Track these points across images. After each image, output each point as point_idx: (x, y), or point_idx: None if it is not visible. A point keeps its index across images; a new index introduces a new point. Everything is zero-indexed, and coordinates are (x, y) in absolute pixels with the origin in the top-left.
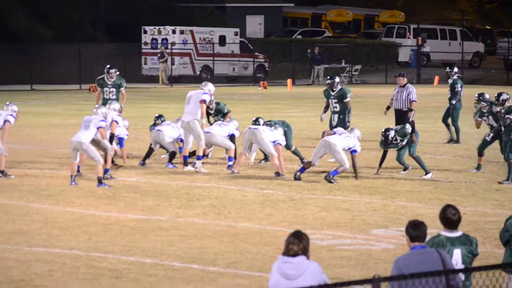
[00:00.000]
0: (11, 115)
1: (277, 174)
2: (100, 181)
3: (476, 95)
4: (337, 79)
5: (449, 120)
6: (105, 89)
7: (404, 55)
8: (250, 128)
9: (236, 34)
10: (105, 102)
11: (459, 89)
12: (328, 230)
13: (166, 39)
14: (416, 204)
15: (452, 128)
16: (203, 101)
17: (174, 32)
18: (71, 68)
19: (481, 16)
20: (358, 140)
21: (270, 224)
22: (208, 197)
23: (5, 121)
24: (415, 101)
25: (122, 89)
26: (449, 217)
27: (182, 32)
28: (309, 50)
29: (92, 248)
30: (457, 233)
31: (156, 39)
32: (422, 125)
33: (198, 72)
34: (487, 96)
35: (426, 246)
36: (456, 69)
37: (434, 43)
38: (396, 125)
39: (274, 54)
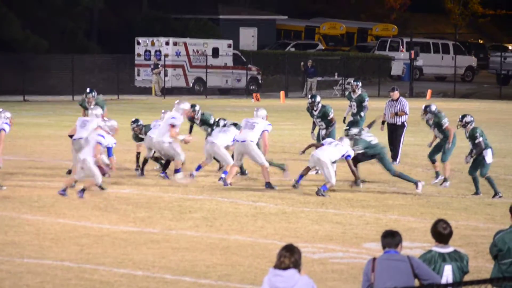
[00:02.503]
0: (6, 123)
1: (268, 185)
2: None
3: (423, 107)
4: (318, 99)
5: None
6: (88, 112)
7: (397, 68)
8: (238, 141)
9: (229, 46)
10: None
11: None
12: (320, 243)
13: (160, 51)
14: (409, 218)
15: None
16: (172, 125)
17: (167, 43)
18: (64, 79)
19: (474, 30)
20: (349, 146)
21: (262, 237)
22: (201, 210)
23: (0, 130)
24: (407, 113)
25: (102, 113)
26: (440, 231)
27: (175, 43)
28: (302, 63)
29: (83, 260)
30: (448, 249)
31: (149, 51)
32: (414, 139)
33: (191, 84)
34: (433, 108)
35: (398, 252)
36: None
37: (427, 57)
38: (389, 138)
39: (267, 67)
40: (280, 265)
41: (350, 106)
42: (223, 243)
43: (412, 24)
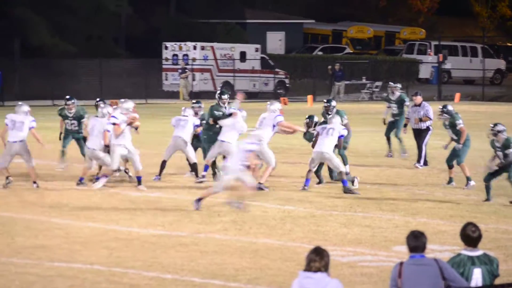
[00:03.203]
0: (33, 120)
1: (260, 186)
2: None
3: (440, 107)
4: (333, 103)
5: None
6: (66, 121)
7: (425, 71)
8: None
9: (257, 50)
10: (67, 133)
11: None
12: (349, 246)
13: (187, 55)
14: (438, 221)
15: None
16: (113, 125)
17: (195, 48)
18: (92, 84)
19: (502, 33)
20: (340, 124)
21: (291, 240)
22: (229, 213)
23: (30, 128)
24: (431, 118)
25: (84, 120)
26: (469, 234)
27: (203, 48)
28: (329, 67)
29: (113, 263)
30: (477, 252)
31: (177, 55)
32: (443, 142)
33: (219, 88)
34: (449, 108)
35: (425, 255)
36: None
37: (455, 60)
38: (417, 143)
39: (295, 70)
40: (310, 269)
41: (389, 107)
42: (252, 246)
43: (439, 28)
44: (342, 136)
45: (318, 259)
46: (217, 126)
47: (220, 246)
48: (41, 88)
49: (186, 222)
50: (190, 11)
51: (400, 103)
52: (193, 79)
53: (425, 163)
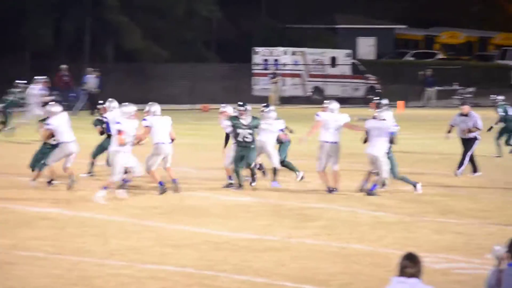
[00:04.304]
0: (118, 122)
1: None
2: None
3: None
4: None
5: None
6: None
7: None
8: (328, 142)
9: (347, 55)
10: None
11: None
12: (441, 253)
13: (277, 60)
14: None
15: None
16: (118, 132)
17: (285, 53)
18: (183, 88)
19: None
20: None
21: (382, 246)
22: (320, 218)
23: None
24: (481, 129)
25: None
26: None
27: (293, 53)
28: (420, 72)
29: (204, 266)
30: None
31: (267, 60)
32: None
33: (309, 93)
34: None
35: None
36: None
37: None
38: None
39: (386, 76)
40: (403, 275)
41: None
42: (343, 251)
43: None
44: (392, 133)
45: (411, 265)
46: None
47: (311, 251)
48: (134, 92)
49: (277, 227)
50: (281, 16)
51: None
52: (283, 84)
53: (475, 170)
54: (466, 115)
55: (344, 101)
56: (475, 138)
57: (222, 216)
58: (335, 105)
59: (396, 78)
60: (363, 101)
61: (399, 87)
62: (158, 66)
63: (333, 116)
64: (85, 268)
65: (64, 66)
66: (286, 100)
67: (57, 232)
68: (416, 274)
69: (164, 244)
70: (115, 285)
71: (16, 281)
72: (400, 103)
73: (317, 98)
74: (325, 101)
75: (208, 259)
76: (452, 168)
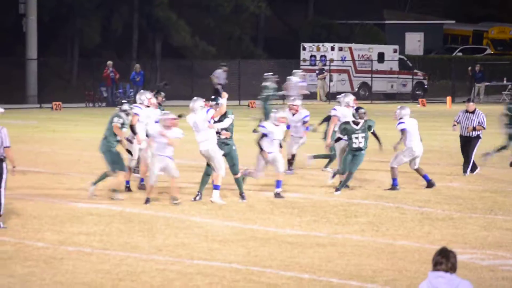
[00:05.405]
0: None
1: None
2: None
3: None
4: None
5: None
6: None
7: None
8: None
9: (395, 51)
10: None
11: None
12: (489, 249)
13: (325, 56)
14: None
15: None
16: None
17: (332, 49)
18: (231, 84)
19: None
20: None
21: (429, 242)
22: (366, 214)
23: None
24: (485, 128)
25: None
26: None
27: (340, 49)
28: (469, 68)
29: (251, 262)
30: None
31: (314, 56)
32: None
33: (356, 89)
34: None
35: None
36: None
37: None
38: (462, 150)
39: (434, 72)
40: (437, 271)
41: None
42: (389, 248)
43: None
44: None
45: (444, 261)
46: None
47: (357, 247)
48: (182, 88)
49: (323, 223)
50: (328, 12)
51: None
52: (331, 80)
53: (473, 169)
54: (471, 112)
55: (391, 97)
56: (478, 137)
57: (268, 212)
58: (350, 98)
59: (444, 74)
60: (411, 97)
61: (447, 82)
62: (206, 63)
63: (350, 110)
64: (132, 263)
65: (110, 62)
66: (333, 96)
67: (105, 227)
68: (450, 270)
69: (211, 240)
70: (161, 280)
71: (63, 276)
72: (448, 98)
73: (364, 94)
74: (337, 96)
75: (254, 254)
76: (502, 164)
